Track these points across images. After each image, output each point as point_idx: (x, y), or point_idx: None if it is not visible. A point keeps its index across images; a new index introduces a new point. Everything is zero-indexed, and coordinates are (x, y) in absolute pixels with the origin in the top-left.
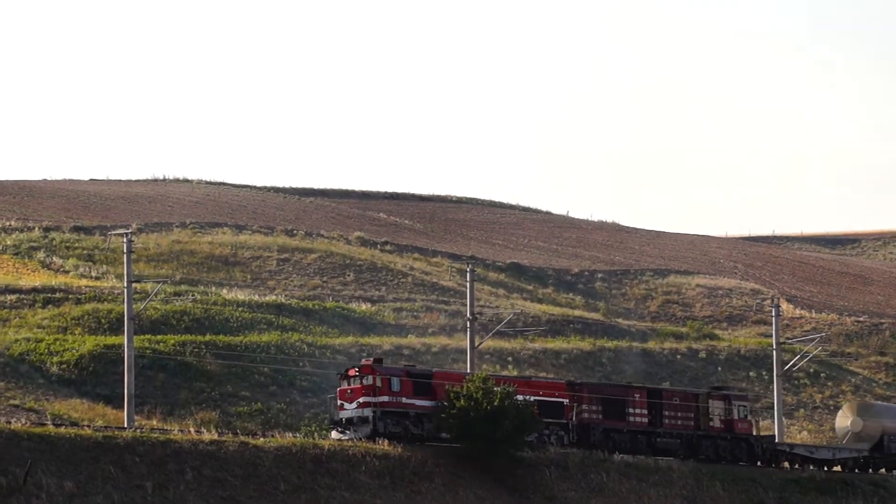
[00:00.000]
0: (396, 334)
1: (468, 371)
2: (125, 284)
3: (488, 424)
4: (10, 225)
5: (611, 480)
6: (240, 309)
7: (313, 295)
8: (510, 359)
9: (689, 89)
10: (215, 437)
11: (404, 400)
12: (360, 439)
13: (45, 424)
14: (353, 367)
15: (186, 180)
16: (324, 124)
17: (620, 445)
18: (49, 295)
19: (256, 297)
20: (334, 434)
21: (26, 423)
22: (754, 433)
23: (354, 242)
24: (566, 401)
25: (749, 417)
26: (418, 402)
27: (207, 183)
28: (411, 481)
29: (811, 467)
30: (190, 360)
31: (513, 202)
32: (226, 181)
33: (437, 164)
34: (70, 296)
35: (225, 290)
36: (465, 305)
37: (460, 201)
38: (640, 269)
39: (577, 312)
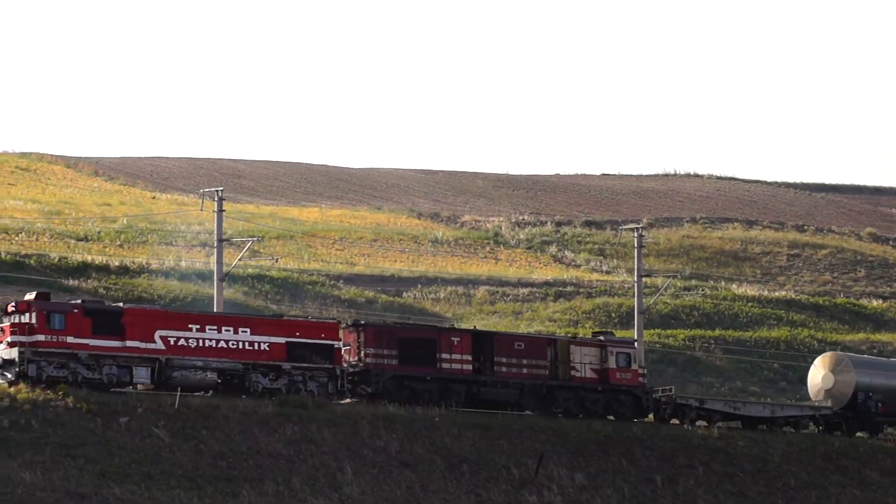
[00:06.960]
0: None
1: None
2: (635, 279)
3: None
4: (523, 219)
5: None
6: (749, 304)
7: (823, 291)
8: None
9: None
10: (724, 431)
11: (71, 339)
12: (10, 384)
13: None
14: (12, 304)
15: (697, 175)
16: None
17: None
18: (560, 288)
19: (766, 293)
20: None
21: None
22: (641, 384)
23: (866, 238)
24: (336, 343)
25: (634, 366)
26: (96, 343)
27: (718, 178)
28: None
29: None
30: (699, 354)
31: None
32: (736, 176)
33: None
34: (581, 289)
35: (734, 285)
36: None
37: None
38: None
39: None
